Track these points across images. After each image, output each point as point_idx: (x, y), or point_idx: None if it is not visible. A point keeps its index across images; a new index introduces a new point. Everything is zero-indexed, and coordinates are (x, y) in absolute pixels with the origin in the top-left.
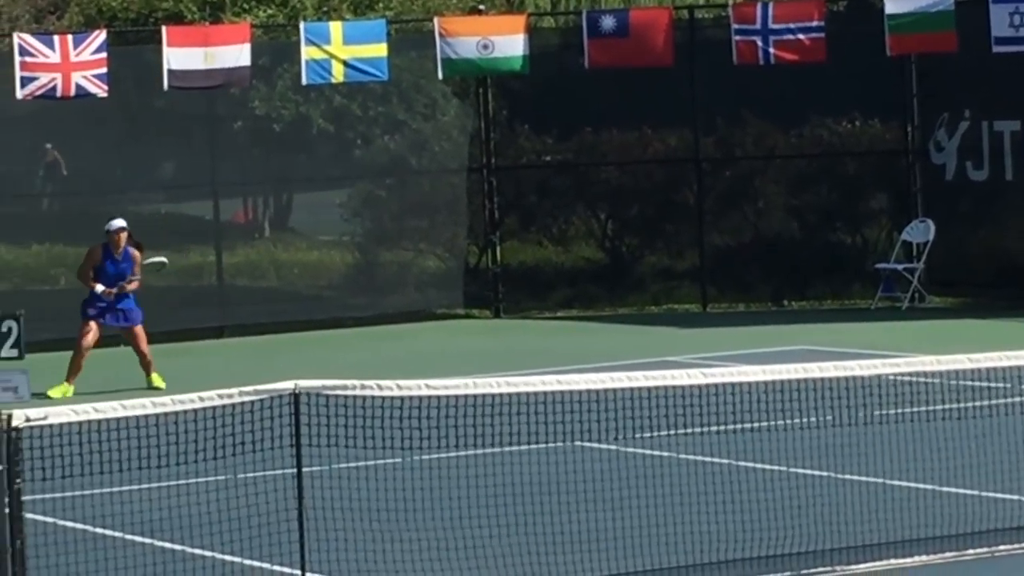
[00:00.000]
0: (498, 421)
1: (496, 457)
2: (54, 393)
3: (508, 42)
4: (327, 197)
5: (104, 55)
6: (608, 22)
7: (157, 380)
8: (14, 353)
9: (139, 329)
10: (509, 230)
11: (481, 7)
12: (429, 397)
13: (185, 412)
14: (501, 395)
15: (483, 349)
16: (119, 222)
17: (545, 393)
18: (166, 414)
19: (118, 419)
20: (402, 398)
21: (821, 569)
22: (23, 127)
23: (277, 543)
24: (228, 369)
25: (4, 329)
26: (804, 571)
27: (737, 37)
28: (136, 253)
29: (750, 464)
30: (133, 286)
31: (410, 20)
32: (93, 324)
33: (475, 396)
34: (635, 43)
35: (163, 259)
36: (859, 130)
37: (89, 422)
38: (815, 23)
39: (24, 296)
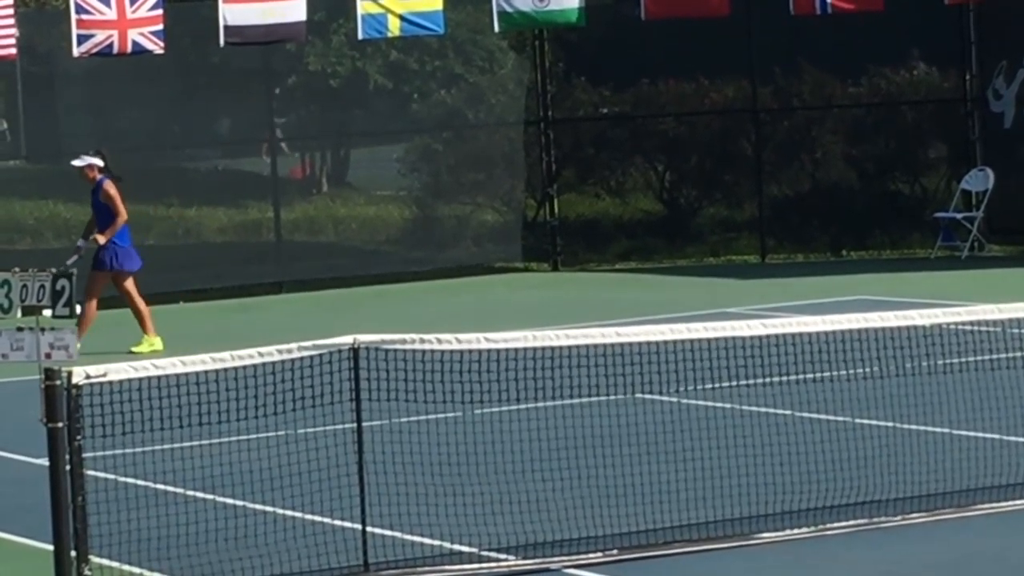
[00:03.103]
0: (558, 374)
1: (556, 410)
2: (141, 349)
3: None
4: (384, 152)
5: (160, 12)
6: None
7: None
8: (66, 312)
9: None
10: (566, 183)
11: None
12: (488, 350)
13: (244, 367)
14: (561, 348)
15: (541, 302)
16: (76, 160)
17: (605, 345)
18: (226, 369)
19: (177, 375)
20: (461, 352)
21: (886, 518)
22: (80, 85)
23: (338, 498)
24: (287, 325)
25: (58, 287)
26: (870, 520)
27: None
28: (106, 190)
29: (812, 415)
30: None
31: None
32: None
33: (535, 349)
34: None
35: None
36: (917, 79)
37: (148, 378)
38: None
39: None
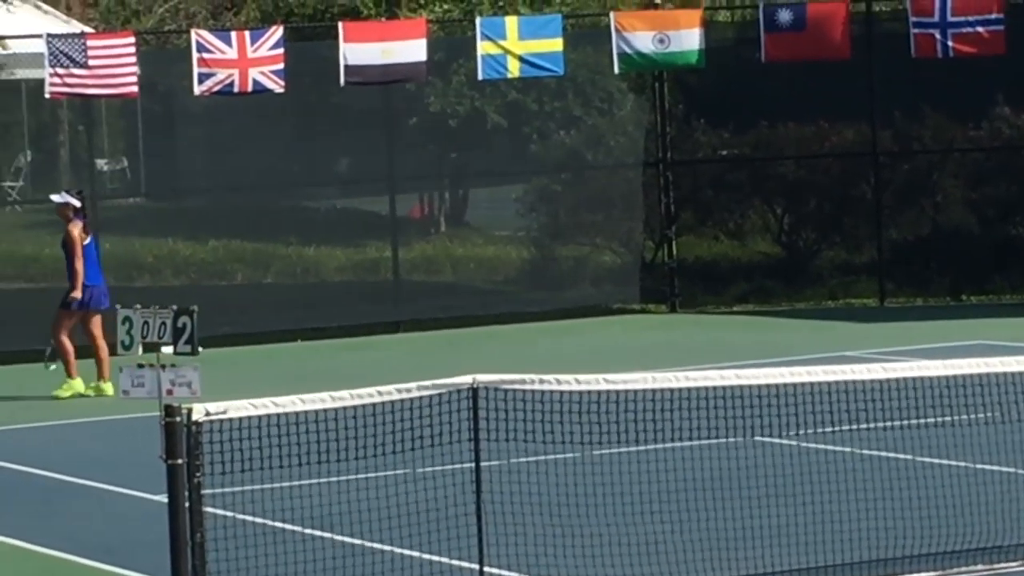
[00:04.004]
0: (676, 416)
1: (675, 452)
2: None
3: (684, 36)
4: (503, 192)
5: (281, 51)
6: (785, 16)
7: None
8: (188, 349)
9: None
10: (685, 224)
11: (657, 1)
12: (607, 391)
13: (364, 406)
14: (680, 390)
15: (659, 344)
16: (55, 195)
17: (724, 388)
18: (345, 408)
19: (296, 413)
20: (580, 392)
21: (1007, 564)
22: (200, 123)
23: (455, 537)
24: (404, 364)
25: (179, 324)
26: (990, 566)
27: (915, 30)
28: (70, 231)
29: (932, 460)
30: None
31: (586, 15)
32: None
33: (654, 391)
34: (812, 36)
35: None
36: None
37: (268, 416)
38: (994, 15)
39: (200, 291)
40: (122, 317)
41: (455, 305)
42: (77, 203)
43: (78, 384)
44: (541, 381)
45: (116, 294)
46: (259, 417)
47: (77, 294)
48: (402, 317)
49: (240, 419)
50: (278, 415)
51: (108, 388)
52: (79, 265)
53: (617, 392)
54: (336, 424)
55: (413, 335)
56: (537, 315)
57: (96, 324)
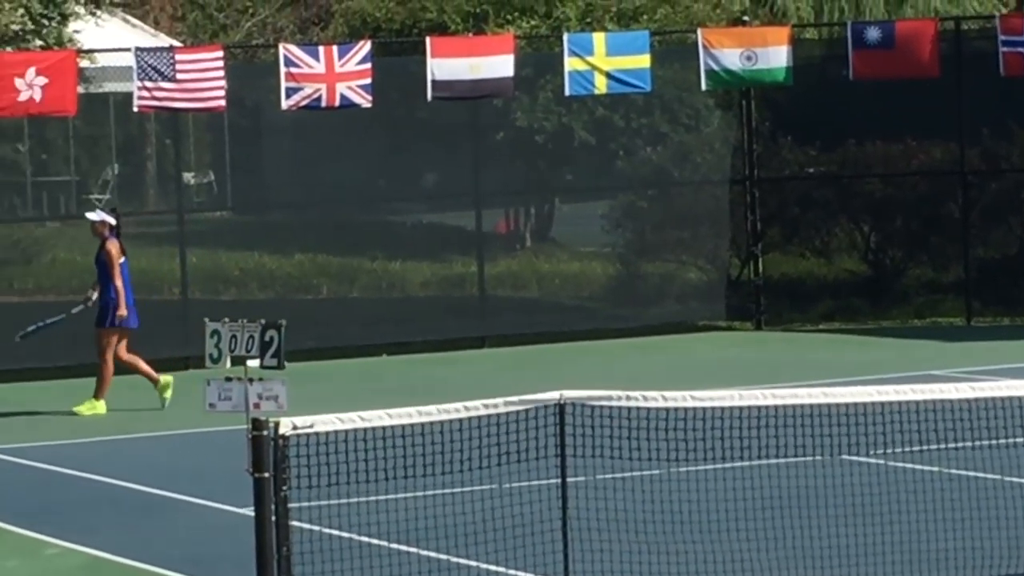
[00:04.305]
0: (763, 433)
1: (761, 470)
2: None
3: (772, 53)
4: (588, 208)
5: (368, 66)
6: (873, 33)
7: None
8: (275, 363)
9: (101, 332)
10: (771, 242)
11: (745, 18)
12: (694, 408)
13: (450, 421)
14: (766, 407)
15: (745, 361)
16: (90, 213)
17: (811, 406)
18: (431, 423)
19: (383, 427)
20: (667, 409)
21: None
22: (286, 137)
23: (541, 553)
24: (490, 379)
25: (267, 338)
26: None
27: (1004, 48)
28: (108, 249)
29: (1021, 480)
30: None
31: (673, 31)
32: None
33: (740, 408)
34: (900, 54)
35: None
36: None
37: (355, 430)
38: None
39: (285, 305)
40: (210, 331)
41: (540, 321)
42: (113, 221)
43: (101, 407)
44: (628, 398)
45: (202, 307)
46: (346, 431)
47: (123, 312)
48: (487, 332)
49: (327, 433)
50: (364, 429)
51: (101, 406)
52: (119, 283)
53: (704, 409)
54: (423, 439)
55: (498, 350)
56: (622, 331)
57: (113, 341)
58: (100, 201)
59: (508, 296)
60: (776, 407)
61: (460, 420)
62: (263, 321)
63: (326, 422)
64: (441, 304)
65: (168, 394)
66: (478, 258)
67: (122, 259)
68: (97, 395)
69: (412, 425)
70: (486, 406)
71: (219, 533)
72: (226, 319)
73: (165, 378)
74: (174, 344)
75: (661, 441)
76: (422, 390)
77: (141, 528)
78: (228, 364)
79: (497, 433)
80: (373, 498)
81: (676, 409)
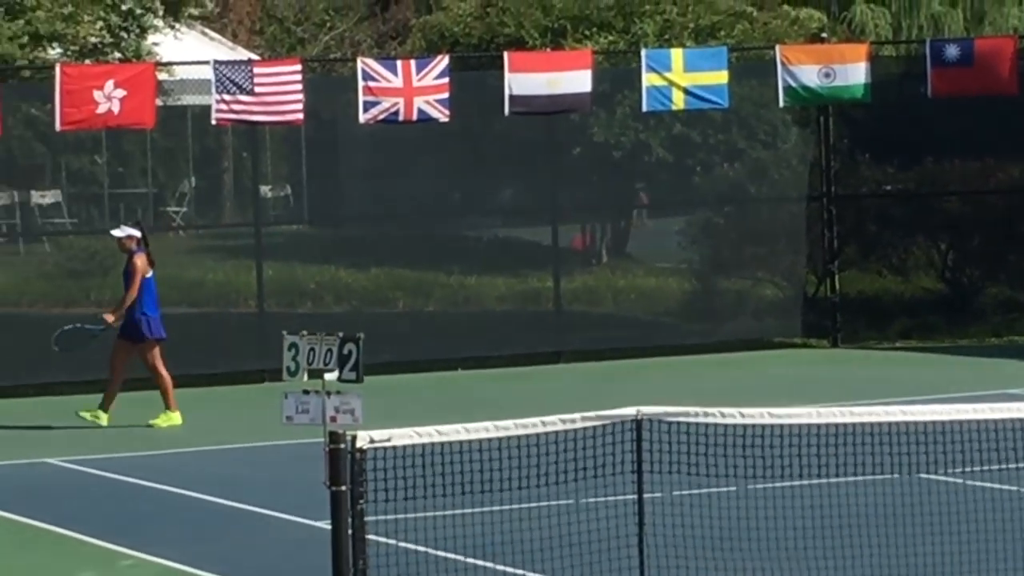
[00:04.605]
0: (841, 451)
1: (838, 488)
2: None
3: (850, 70)
4: (665, 224)
5: (446, 80)
6: (952, 51)
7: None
8: (352, 376)
9: (143, 347)
10: (848, 259)
11: (823, 35)
12: (772, 425)
13: (527, 436)
14: (844, 425)
15: (821, 378)
16: (115, 230)
17: (888, 424)
18: (508, 437)
19: (460, 442)
20: (744, 426)
21: None
22: (363, 151)
23: (617, 569)
24: (565, 394)
25: (345, 351)
26: None
27: None
28: (135, 262)
29: None
30: (108, 318)
31: (752, 48)
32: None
33: (818, 425)
34: (979, 72)
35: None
36: None
37: (432, 444)
38: None
39: (362, 318)
40: (288, 343)
41: (615, 336)
42: (139, 234)
43: (176, 417)
44: (705, 414)
45: (278, 320)
46: (423, 445)
47: (110, 317)
48: (563, 347)
49: (404, 447)
50: (441, 443)
51: (105, 419)
52: (132, 293)
53: (781, 426)
54: (499, 453)
55: (573, 366)
56: (698, 347)
57: (125, 354)
58: (177, 215)
59: (584, 311)
60: (854, 425)
61: (537, 435)
62: (341, 334)
63: (403, 436)
64: (517, 319)
65: (162, 424)
66: (554, 273)
67: (149, 273)
68: (168, 406)
69: (489, 440)
70: (563, 421)
71: (295, 546)
72: (304, 332)
73: (176, 415)
74: (250, 357)
75: (738, 458)
76: (497, 405)
77: (217, 540)
78: (305, 377)
79: (574, 448)
80: (449, 512)
81: (753, 426)
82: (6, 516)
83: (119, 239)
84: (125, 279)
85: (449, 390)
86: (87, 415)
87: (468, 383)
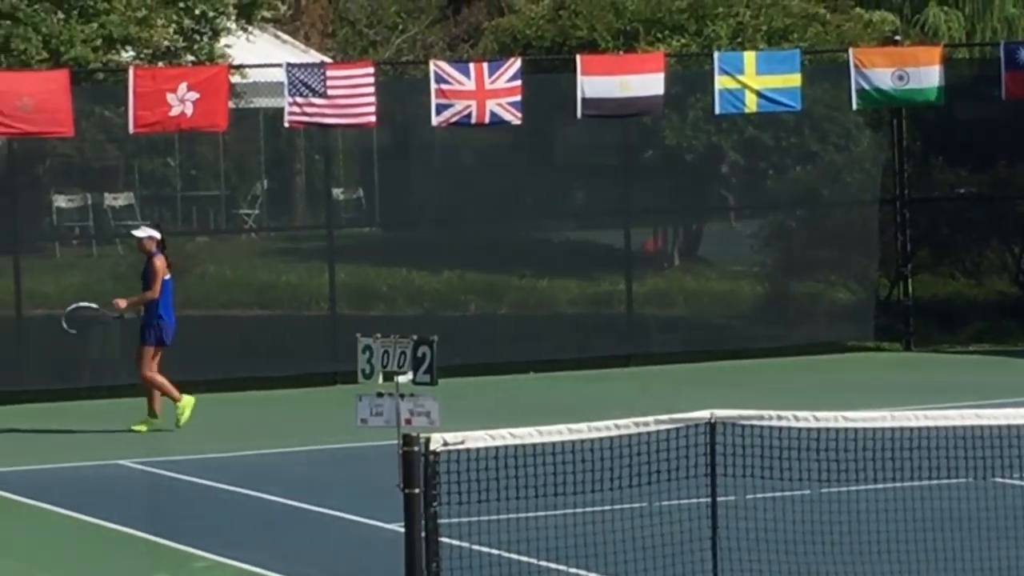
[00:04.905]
0: (915, 455)
1: (912, 491)
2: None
3: (923, 73)
4: (737, 227)
5: (519, 83)
6: None
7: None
8: (427, 378)
9: (142, 349)
10: (921, 263)
11: (896, 37)
12: (846, 429)
13: (600, 439)
14: (918, 428)
15: (895, 382)
16: (136, 231)
17: (963, 427)
18: (582, 440)
19: (534, 444)
20: (818, 429)
21: None
22: (435, 154)
23: (691, 573)
24: (637, 397)
25: (419, 354)
26: None
27: None
28: (154, 263)
29: None
30: (119, 304)
31: (824, 51)
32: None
33: (892, 429)
34: None
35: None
36: None
37: (505, 447)
38: None
39: (434, 321)
40: (362, 346)
41: (687, 339)
42: (159, 236)
43: (189, 401)
44: (779, 417)
45: (351, 323)
46: (496, 448)
47: (122, 303)
48: (634, 350)
49: (477, 449)
50: (515, 446)
51: (156, 423)
52: (149, 296)
53: (855, 430)
54: (573, 456)
55: (645, 368)
56: (770, 351)
57: (149, 358)
58: (249, 217)
59: (656, 314)
60: (927, 428)
61: (611, 438)
62: (415, 337)
63: (477, 438)
64: (589, 322)
65: (186, 415)
66: (626, 276)
67: (167, 275)
68: (151, 412)
69: (563, 443)
70: (636, 424)
71: (368, 548)
72: (378, 335)
73: (187, 398)
74: (322, 359)
75: (812, 461)
76: (569, 408)
77: (289, 542)
78: (380, 379)
79: (647, 452)
80: (522, 515)
81: (827, 429)
82: (79, 518)
83: (140, 239)
84: (144, 280)
85: (520, 393)
86: (142, 427)
87: (540, 386)
